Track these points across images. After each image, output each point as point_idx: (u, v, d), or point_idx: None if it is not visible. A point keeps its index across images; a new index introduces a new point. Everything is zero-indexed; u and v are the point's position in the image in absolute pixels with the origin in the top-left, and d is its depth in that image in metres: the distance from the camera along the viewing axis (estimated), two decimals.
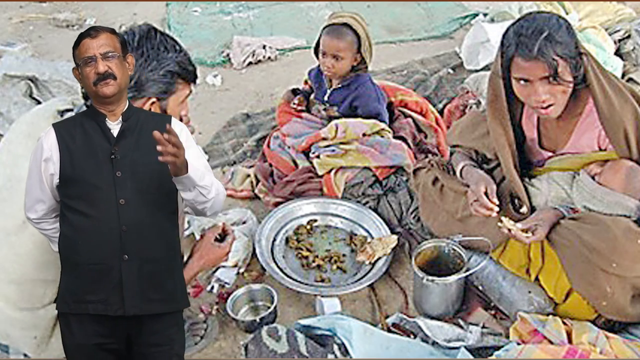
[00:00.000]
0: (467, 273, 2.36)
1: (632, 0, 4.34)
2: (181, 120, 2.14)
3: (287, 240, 2.81)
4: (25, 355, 2.15)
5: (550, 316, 2.23)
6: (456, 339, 2.27)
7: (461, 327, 2.34)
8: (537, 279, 2.32)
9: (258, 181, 3.09)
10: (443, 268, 2.43)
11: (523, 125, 2.42)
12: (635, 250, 2.10)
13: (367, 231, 2.82)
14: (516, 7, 4.18)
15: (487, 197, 2.29)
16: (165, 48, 2.10)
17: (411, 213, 2.83)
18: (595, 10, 4.06)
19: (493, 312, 2.42)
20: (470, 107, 3.32)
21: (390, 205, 2.89)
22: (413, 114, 3.26)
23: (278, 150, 3.15)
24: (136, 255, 1.83)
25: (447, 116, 3.43)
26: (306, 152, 3.06)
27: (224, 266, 2.61)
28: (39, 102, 3.49)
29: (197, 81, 2.24)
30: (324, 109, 3.21)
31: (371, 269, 2.63)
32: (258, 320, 2.39)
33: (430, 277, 2.34)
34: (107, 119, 1.87)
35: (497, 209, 2.28)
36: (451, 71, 3.98)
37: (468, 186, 2.42)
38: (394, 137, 3.05)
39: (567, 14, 3.93)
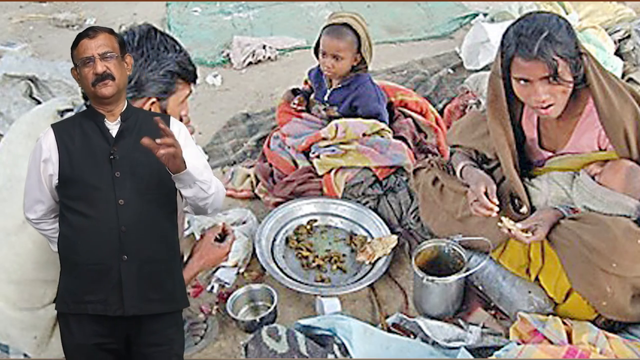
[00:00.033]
0: (467, 273, 2.36)
1: (632, 0, 4.34)
2: (181, 120, 2.14)
3: (287, 240, 2.81)
4: (25, 355, 2.15)
5: (550, 316, 2.23)
6: (456, 339, 2.27)
7: (461, 327, 2.34)
8: (537, 279, 2.32)
9: (258, 181, 3.09)
10: (443, 268, 2.43)
11: (523, 125, 2.42)
12: (635, 250, 2.10)
13: (367, 231, 2.82)
14: (516, 7, 4.18)
15: (487, 197, 2.29)
16: (165, 48, 2.09)
17: (411, 213, 2.83)
18: (595, 10, 4.05)
19: (493, 312, 2.42)
20: (470, 107, 3.32)
21: (390, 205, 2.89)
22: (413, 114, 3.26)
23: (278, 150, 3.14)
24: (135, 255, 1.83)
25: (447, 116, 3.42)
26: (306, 152, 3.06)
27: (224, 266, 2.61)
28: (39, 102, 3.48)
29: (197, 81, 2.24)
30: (324, 109, 3.21)
31: (371, 269, 2.63)
32: (258, 320, 2.39)
33: (430, 277, 2.34)
34: (105, 119, 1.87)
35: (497, 209, 2.27)
36: (451, 71, 3.98)
37: (468, 186, 2.42)
38: (394, 137, 3.05)
39: (567, 14, 3.93)
